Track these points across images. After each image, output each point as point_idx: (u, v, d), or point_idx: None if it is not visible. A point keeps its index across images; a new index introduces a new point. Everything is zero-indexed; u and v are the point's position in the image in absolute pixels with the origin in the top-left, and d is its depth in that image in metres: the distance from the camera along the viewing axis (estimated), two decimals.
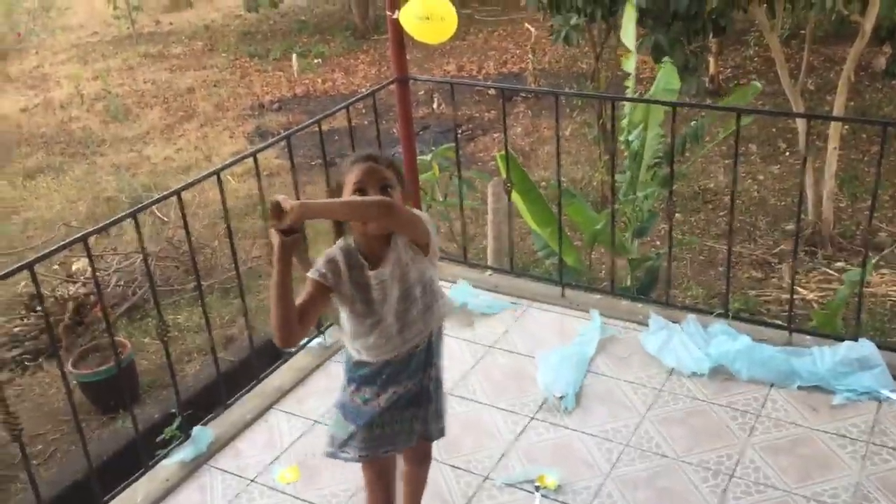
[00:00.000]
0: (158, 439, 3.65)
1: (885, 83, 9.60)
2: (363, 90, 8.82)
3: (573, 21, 7.12)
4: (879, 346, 3.65)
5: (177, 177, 8.62)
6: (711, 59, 9.74)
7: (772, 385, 3.61)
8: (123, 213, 3.42)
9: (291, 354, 4.02)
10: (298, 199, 3.95)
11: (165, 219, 6.99)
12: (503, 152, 4.57)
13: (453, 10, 3.76)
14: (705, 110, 6.61)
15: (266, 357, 4.06)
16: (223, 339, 5.83)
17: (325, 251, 2.39)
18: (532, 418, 3.56)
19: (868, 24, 6.19)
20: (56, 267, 6.43)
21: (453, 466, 3.32)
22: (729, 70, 10.59)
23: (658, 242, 6.80)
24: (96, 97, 11.52)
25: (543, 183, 7.14)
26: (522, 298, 4.38)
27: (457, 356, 3.95)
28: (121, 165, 9.28)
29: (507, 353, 4.00)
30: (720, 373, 3.71)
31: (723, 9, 6.27)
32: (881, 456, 3.23)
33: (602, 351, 3.93)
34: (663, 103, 5.07)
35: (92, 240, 3.35)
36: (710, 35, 6.84)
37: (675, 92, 5.31)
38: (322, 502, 3.22)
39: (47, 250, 3.18)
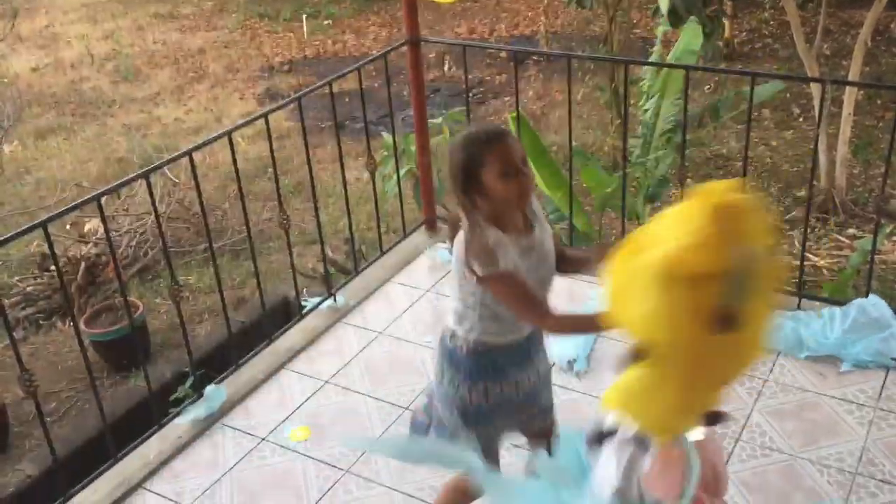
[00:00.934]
0: (171, 398, 3.70)
1: None
2: (374, 52, 8.75)
3: None
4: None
5: (187, 138, 8.61)
6: (727, 23, 9.61)
7: (779, 353, 3.61)
8: (135, 174, 3.44)
9: (302, 316, 4.05)
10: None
11: (176, 180, 7.00)
12: (514, 113, 4.54)
13: None
14: (721, 75, 6.53)
15: (277, 318, 4.09)
16: (234, 300, 5.87)
17: (482, 244, 2.19)
18: None
19: None
20: (68, 227, 6.46)
21: None
22: (744, 34, 10.45)
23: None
24: (106, 57, 11.47)
25: (555, 147, 7.09)
26: None
27: None
28: (131, 126, 9.28)
29: None
30: None
31: None
32: (888, 421, 3.24)
33: None
34: (676, 66, 5.02)
35: (104, 200, 3.37)
36: None
37: (696, 54, 5.25)
38: (332, 461, 3.27)
39: (60, 210, 3.21)
